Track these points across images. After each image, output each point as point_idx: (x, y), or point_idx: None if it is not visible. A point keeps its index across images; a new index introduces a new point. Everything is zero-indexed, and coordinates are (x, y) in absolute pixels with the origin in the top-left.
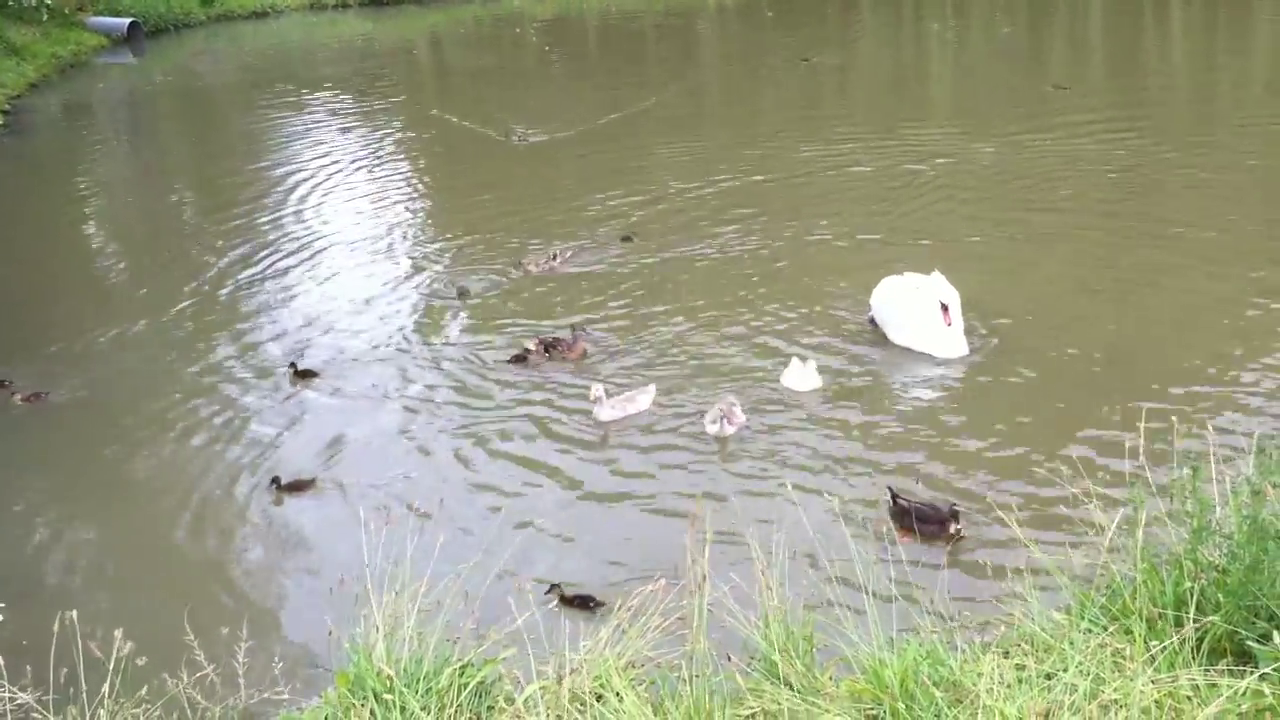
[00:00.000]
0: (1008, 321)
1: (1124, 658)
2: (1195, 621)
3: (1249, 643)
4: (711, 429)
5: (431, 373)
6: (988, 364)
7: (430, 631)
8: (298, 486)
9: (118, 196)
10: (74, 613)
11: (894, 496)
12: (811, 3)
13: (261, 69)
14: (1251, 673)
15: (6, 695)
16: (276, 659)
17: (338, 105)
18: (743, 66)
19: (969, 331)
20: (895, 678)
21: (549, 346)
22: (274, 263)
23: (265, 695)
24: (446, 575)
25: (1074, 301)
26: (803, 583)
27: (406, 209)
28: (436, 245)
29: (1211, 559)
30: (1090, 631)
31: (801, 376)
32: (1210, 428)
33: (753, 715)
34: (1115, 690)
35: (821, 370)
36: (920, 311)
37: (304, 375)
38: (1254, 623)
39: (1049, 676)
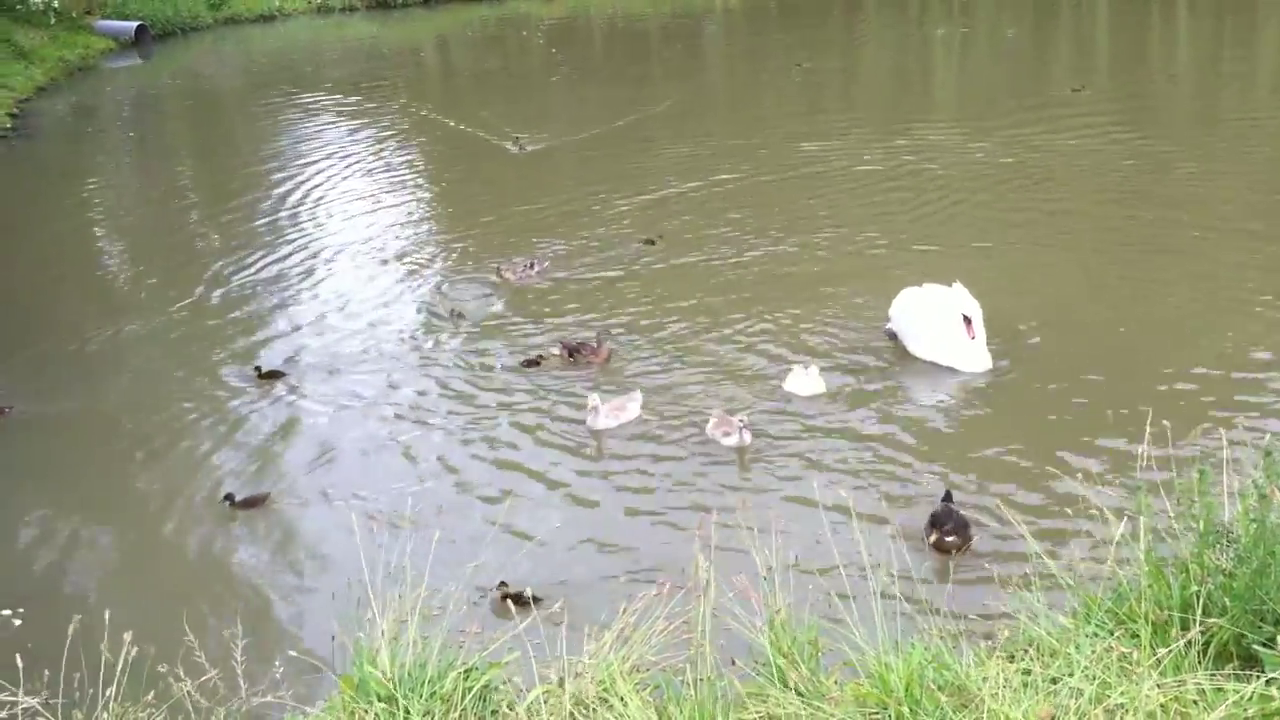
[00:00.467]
0: (1017, 325)
1: (1130, 662)
2: (1202, 625)
3: (1256, 647)
4: (728, 441)
5: (432, 376)
6: (996, 368)
7: (434, 635)
8: (251, 503)
9: (124, 200)
10: (77, 618)
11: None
12: (816, 4)
13: (268, 72)
14: (1258, 677)
15: (9, 699)
16: (279, 663)
17: (344, 108)
18: (747, 70)
19: None
20: (900, 682)
21: (574, 350)
22: (274, 266)
23: (268, 699)
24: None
25: (1084, 304)
26: (807, 587)
27: (409, 213)
28: (438, 249)
29: (1218, 562)
30: (1096, 635)
31: (804, 381)
32: (1220, 430)
33: (757, 719)
34: (1121, 694)
35: (832, 372)
36: (942, 324)
37: (270, 376)
38: (1261, 626)
39: (1054, 681)
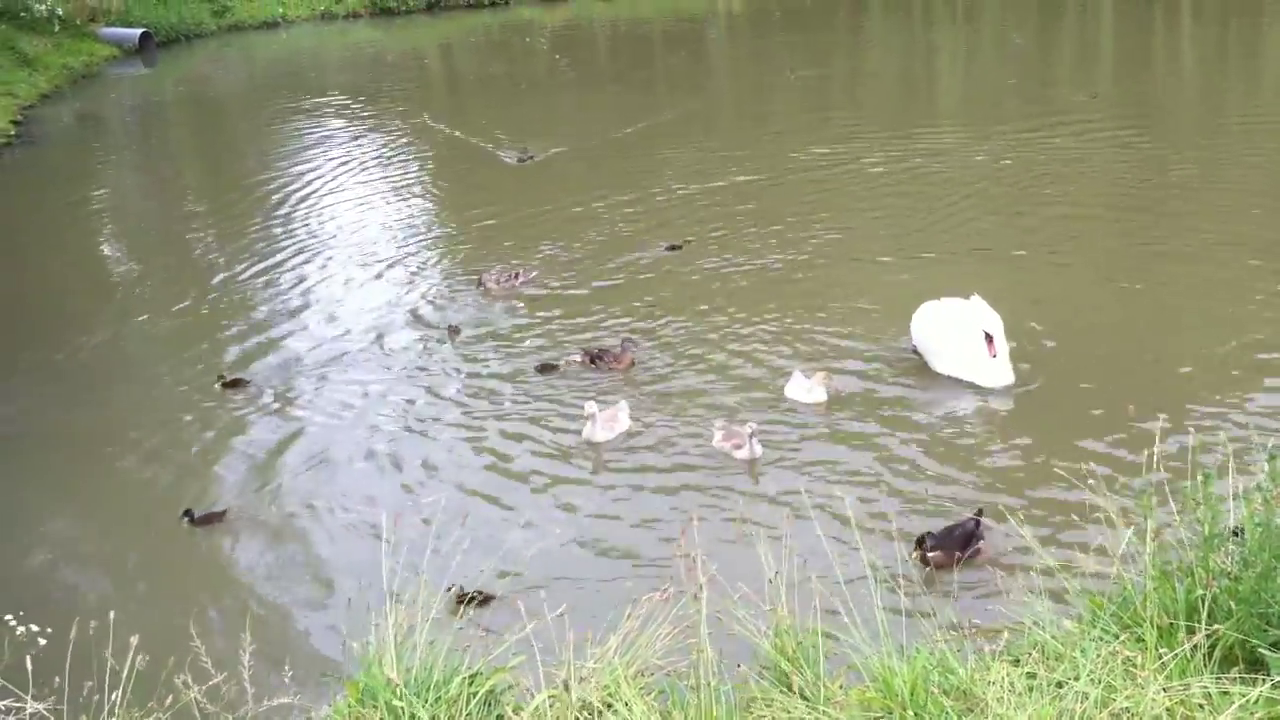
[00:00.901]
0: (1029, 330)
1: (1135, 666)
2: (1207, 629)
3: (1261, 650)
4: (740, 454)
5: (432, 376)
6: (1016, 378)
7: (440, 640)
8: (208, 519)
9: (127, 207)
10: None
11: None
12: (819, 8)
13: (272, 79)
14: (1264, 680)
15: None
16: (286, 668)
17: (348, 115)
18: (751, 74)
19: None
20: (905, 686)
21: (595, 357)
22: (276, 268)
23: (275, 703)
24: (456, 584)
25: (1093, 309)
26: (810, 592)
27: (411, 220)
28: (439, 255)
29: (1224, 566)
30: (1101, 639)
31: (806, 389)
32: (1224, 432)
33: None
34: (1127, 699)
35: (842, 376)
36: (963, 341)
37: (232, 385)
38: (1266, 630)
39: (1060, 685)
